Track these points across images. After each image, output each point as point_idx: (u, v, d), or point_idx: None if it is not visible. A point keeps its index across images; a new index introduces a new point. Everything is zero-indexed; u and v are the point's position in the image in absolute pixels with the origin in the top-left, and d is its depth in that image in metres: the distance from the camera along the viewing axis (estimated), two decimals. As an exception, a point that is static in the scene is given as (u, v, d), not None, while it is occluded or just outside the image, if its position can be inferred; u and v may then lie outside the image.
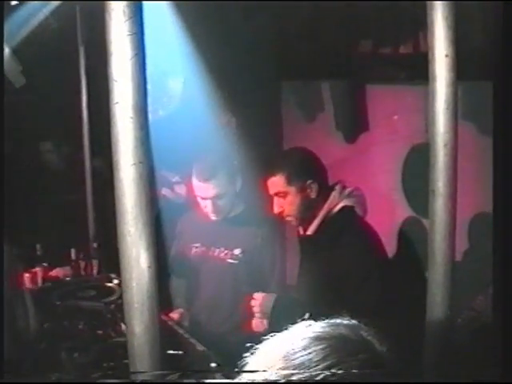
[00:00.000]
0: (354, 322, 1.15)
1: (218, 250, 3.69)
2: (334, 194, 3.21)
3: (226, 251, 3.66)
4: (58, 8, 3.86)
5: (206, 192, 3.58)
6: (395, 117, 4.35)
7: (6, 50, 4.21)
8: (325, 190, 3.21)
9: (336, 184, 3.24)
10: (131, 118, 1.46)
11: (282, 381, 1.05)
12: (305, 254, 3.32)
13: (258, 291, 3.40)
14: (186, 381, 1.26)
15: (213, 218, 3.64)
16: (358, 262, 3.01)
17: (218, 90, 4.32)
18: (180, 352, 3.01)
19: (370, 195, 4.23)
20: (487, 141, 3.68)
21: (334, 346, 1.09)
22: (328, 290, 3.01)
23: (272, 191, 3.23)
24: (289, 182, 3.17)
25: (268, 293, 3.26)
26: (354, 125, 4.62)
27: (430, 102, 2.07)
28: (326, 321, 1.16)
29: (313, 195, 3.19)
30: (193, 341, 3.20)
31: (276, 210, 3.24)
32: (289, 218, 3.26)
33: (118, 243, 1.44)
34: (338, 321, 1.16)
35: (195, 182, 3.59)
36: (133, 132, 1.45)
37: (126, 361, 2.79)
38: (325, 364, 1.06)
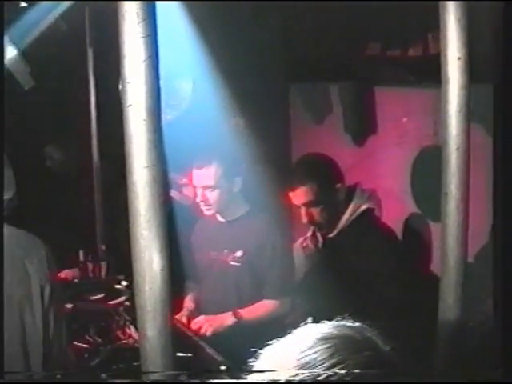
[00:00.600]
0: (358, 323, 1.15)
1: (221, 253, 3.68)
2: (357, 197, 3.25)
3: (228, 254, 3.65)
4: (67, 10, 3.86)
5: (198, 180, 3.57)
6: (404, 119, 4.33)
7: (15, 52, 4.22)
8: (348, 193, 3.23)
9: (355, 186, 3.27)
10: (144, 120, 1.45)
11: (282, 381, 1.05)
12: (325, 256, 3.32)
13: (260, 294, 3.46)
14: (192, 381, 1.25)
15: (206, 212, 3.62)
16: (383, 263, 3.02)
17: (226, 93, 4.32)
18: (189, 354, 3.01)
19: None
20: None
21: (339, 345, 1.09)
22: (347, 291, 3.02)
23: (299, 202, 3.26)
24: (319, 190, 3.22)
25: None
26: (363, 127, 4.60)
27: (442, 105, 2.06)
28: (331, 323, 1.16)
29: (341, 198, 3.25)
30: (202, 343, 3.20)
31: (305, 219, 3.27)
32: (315, 225, 3.28)
33: (130, 246, 1.44)
34: (342, 323, 1.16)
35: (193, 171, 3.61)
36: (146, 134, 1.44)
37: (135, 363, 2.83)
38: (330, 362, 1.05)
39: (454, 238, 2.04)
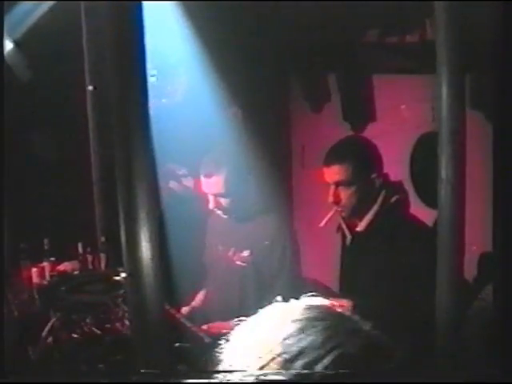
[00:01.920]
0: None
1: (228, 251, 3.63)
2: (386, 187, 3.16)
3: (235, 252, 3.60)
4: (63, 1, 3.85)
5: (209, 188, 3.51)
6: (402, 106, 4.32)
7: (11, 44, 4.21)
8: (380, 185, 3.16)
9: (386, 177, 3.19)
10: (133, 109, 1.44)
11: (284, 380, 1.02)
12: (354, 252, 3.24)
13: (264, 297, 3.40)
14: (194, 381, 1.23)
15: (222, 216, 3.58)
16: (424, 254, 2.91)
17: (224, 82, 4.30)
18: (187, 345, 3.00)
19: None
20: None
21: (334, 326, 1.05)
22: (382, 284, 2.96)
23: (332, 179, 3.14)
24: (355, 172, 3.10)
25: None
26: (361, 115, 4.59)
27: (437, 90, 2.05)
28: (303, 301, 1.12)
29: (375, 187, 3.14)
30: (201, 334, 3.19)
31: (332, 199, 3.15)
32: (340, 209, 3.19)
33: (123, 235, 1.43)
34: (313, 301, 1.13)
35: (201, 177, 3.56)
36: (132, 125, 1.43)
37: (133, 353, 2.83)
38: (328, 346, 1.02)
39: (450, 223, 2.02)
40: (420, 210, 4.07)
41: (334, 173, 3.12)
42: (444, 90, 2.01)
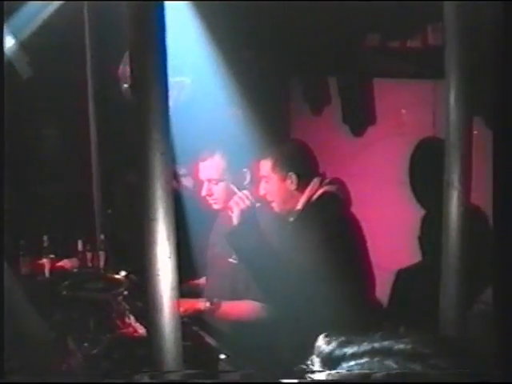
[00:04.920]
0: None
1: (224, 249, 3.62)
2: (314, 183, 3.28)
3: (227, 249, 3.59)
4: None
5: (203, 172, 3.52)
6: (403, 111, 4.34)
7: (14, 42, 4.22)
8: (304, 182, 3.29)
9: (316, 176, 3.31)
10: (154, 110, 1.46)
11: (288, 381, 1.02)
12: (286, 241, 3.32)
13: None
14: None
15: (214, 206, 3.57)
16: (335, 252, 3.01)
17: (224, 83, 4.32)
18: (188, 343, 3.01)
19: (376, 188, 4.25)
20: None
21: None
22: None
23: (260, 174, 3.35)
24: (273, 168, 3.29)
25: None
26: (361, 118, 4.61)
27: (445, 96, 2.07)
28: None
29: (292, 187, 3.28)
30: (202, 333, 3.21)
31: (261, 192, 3.34)
32: (271, 203, 3.34)
33: (138, 234, 1.44)
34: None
35: (199, 164, 3.57)
36: (156, 124, 1.45)
37: (134, 351, 2.84)
38: None
39: (455, 227, 2.05)
40: (418, 214, 4.11)
41: (259, 167, 3.36)
42: (452, 95, 2.03)
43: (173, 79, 4.31)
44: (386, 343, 1.00)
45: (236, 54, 4.37)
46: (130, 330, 3.21)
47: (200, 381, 1.15)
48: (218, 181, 3.48)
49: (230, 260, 3.53)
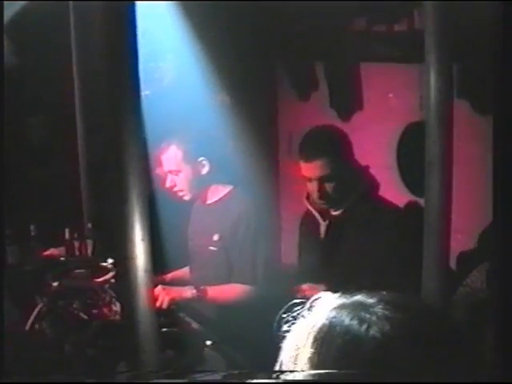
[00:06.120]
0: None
1: (202, 237, 3.65)
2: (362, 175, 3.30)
3: (207, 238, 3.61)
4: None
5: (164, 165, 3.56)
6: (390, 95, 4.33)
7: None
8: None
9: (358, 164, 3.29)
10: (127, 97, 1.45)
11: (281, 381, 1.01)
12: (332, 236, 3.30)
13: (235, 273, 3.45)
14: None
15: (184, 198, 3.60)
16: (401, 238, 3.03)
17: (211, 69, 4.30)
18: (174, 329, 3.01)
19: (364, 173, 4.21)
20: (482, 119, 3.68)
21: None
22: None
23: (315, 175, 3.20)
24: (336, 165, 3.18)
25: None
26: (349, 103, 4.60)
27: (425, 77, 2.07)
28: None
29: (352, 178, 3.24)
30: (188, 319, 3.21)
31: (318, 195, 3.23)
32: (323, 202, 3.26)
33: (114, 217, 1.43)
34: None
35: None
36: (129, 112, 1.43)
37: (121, 339, 2.84)
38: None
39: (437, 209, 2.04)
40: (406, 198, 4.11)
41: (316, 168, 3.17)
42: (432, 77, 2.02)
43: (155, 64, 4.30)
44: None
45: (221, 39, 4.34)
46: (117, 317, 3.22)
47: (199, 381, 1.14)
48: (177, 172, 3.50)
49: (211, 248, 3.55)
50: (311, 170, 3.18)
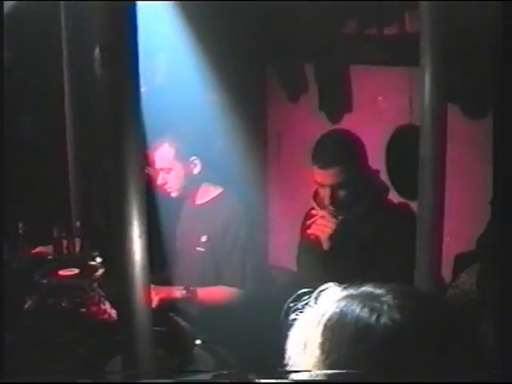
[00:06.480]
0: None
1: (190, 238, 3.66)
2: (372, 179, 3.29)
3: (195, 238, 3.62)
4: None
5: (156, 162, 3.57)
6: (379, 98, 4.35)
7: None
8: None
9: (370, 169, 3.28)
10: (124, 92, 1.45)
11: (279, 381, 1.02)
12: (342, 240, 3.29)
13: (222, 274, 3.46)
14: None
15: (172, 195, 3.61)
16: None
17: (202, 70, 4.30)
18: (163, 329, 3.01)
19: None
20: (471, 124, 3.71)
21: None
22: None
23: (328, 182, 3.14)
24: (350, 172, 3.12)
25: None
26: (338, 105, 4.61)
27: (421, 80, 2.08)
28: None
29: (364, 183, 3.19)
30: (177, 319, 3.21)
31: (330, 201, 3.17)
32: (334, 209, 3.21)
33: (109, 215, 1.43)
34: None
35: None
36: (126, 109, 1.44)
37: (110, 337, 2.83)
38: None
39: (429, 211, 2.06)
40: (395, 201, 4.12)
41: (330, 175, 3.11)
42: (426, 79, 2.04)
43: (149, 63, 4.29)
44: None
45: (212, 40, 4.34)
46: (106, 316, 3.21)
47: (199, 380, 1.14)
48: (169, 169, 3.51)
49: (198, 248, 3.56)
50: (325, 177, 3.12)
